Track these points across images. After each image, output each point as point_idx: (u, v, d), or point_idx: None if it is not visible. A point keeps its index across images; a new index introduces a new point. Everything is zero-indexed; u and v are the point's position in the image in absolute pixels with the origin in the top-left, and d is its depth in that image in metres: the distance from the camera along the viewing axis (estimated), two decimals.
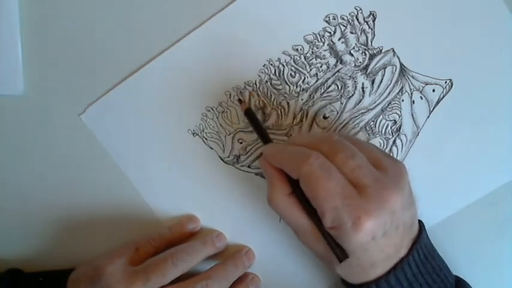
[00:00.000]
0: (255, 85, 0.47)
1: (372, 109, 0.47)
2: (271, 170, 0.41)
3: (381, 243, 0.38)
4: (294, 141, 0.42)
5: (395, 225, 0.38)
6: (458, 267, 0.46)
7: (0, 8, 0.47)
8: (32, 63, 0.48)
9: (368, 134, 0.48)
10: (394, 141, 0.48)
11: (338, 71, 0.47)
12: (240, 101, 0.47)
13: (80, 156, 0.49)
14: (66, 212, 0.49)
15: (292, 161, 0.40)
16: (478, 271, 0.48)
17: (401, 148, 0.48)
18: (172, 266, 0.43)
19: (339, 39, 0.47)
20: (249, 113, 0.46)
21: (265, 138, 0.45)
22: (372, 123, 0.48)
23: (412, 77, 0.47)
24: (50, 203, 0.49)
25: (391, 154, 0.48)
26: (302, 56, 0.47)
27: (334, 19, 0.46)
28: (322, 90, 0.47)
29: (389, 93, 0.47)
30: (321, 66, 0.47)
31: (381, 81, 0.47)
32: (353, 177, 0.38)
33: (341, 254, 0.39)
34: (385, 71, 0.47)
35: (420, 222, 0.43)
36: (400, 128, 0.48)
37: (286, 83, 0.47)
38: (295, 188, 0.40)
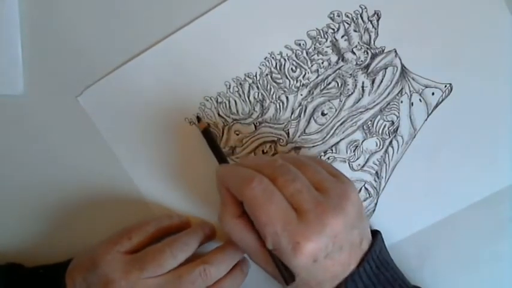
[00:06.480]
0: (255, 77, 0.47)
1: (370, 108, 0.47)
2: (224, 191, 0.41)
3: (324, 264, 0.39)
4: (241, 162, 0.43)
5: (338, 246, 0.39)
6: (454, 269, 0.47)
7: (0, 8, 0.46)
8: (32, 63, 0.48)
9: (365, 133, 0.48)
10: (391, 142, 0.48)
11: (339, 68, 0.47)
12: (198, 118, 0.47)
13: (81, 156, 0.48)
14: (63, 201, 0.49)
15: (236, 184, 0.40)
16: (475, 274, 0.48)
17: (397, 149, 0.48)
18: (170, 257, 0.42)
19: (342, 36, 0.47)
20: (206, 133, 0.46)
21: (221, 158, 0.45)
22: (369, 122, 0.47)
23: (413, 79, 0.47)
24: (49, 199, 0.49)
25: (387, 155, 0.48)
26: (304, 51, 0.47)
27: (339, 16, 0.46)
28: (322, 87, 0.47)
29: (389, 93, 0.47)
30: (322, 63, 0.47)
31: (381, 81, 0.47)
32: (293, 201, 0.39)
33: (288, 276, 0.39)
34: (385, 71, 0.47)
35: (376, 233, 0.43)
36: (397, 129, 0.48)
37: (287, 77, 0.47)
38: (245, 210, 0.40)
